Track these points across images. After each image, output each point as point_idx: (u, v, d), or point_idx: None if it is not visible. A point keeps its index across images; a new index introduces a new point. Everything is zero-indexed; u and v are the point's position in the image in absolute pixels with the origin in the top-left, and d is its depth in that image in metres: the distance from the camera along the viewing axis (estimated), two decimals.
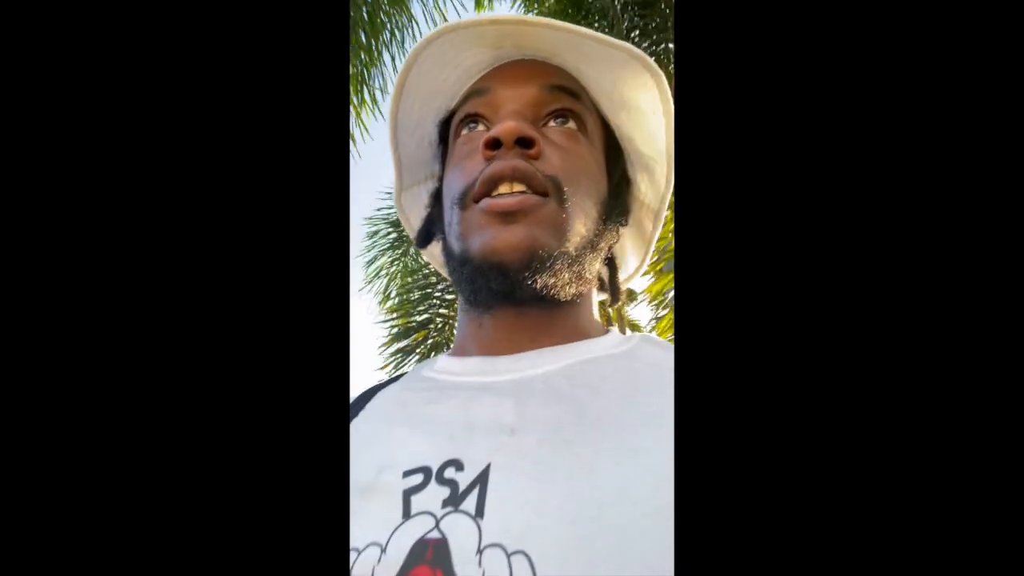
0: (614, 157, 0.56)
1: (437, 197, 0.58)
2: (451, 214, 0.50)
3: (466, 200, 0.48)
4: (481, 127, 0.53)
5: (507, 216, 0.45)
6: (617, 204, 0.56)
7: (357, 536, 0.39)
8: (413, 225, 0.64)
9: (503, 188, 0.46)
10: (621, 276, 0.63)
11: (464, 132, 0.54)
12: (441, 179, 0.57)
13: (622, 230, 0.58)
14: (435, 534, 0.38)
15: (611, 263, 0.60)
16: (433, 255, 0.62)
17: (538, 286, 0.46)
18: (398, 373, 0.58)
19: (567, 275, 0.48)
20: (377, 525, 0.39)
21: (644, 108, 0.53)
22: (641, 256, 0.64)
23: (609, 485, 0.37)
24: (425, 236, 0.60)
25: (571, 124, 0.52)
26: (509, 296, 0.47)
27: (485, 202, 0.47)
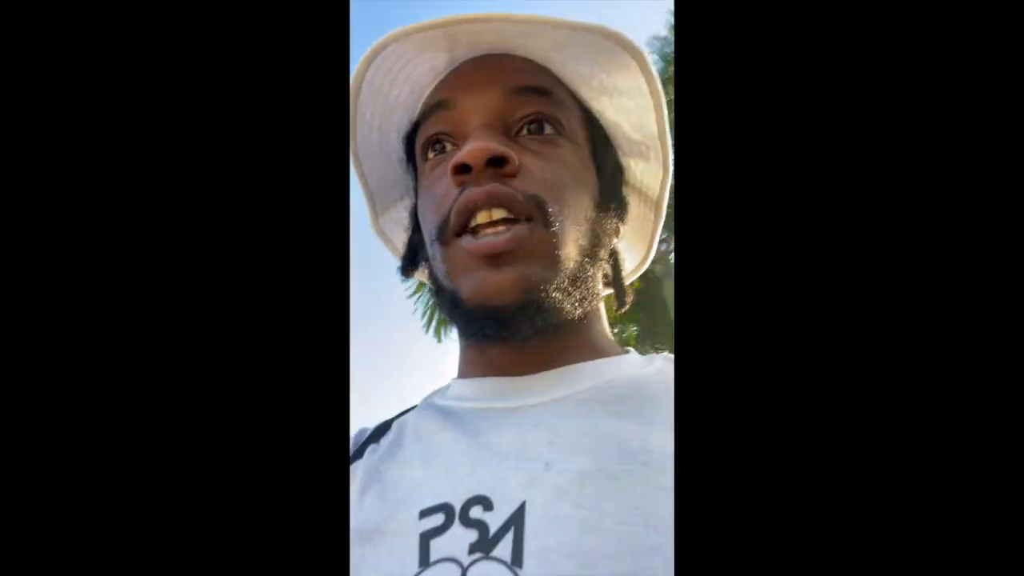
0: (602, 147, 0.51)
1: (416, 215, 0.53)
2: (432, 248, 0.46)
3: (446, 235, 0.44)
4: (449, 147, 0.47)
5: (495, 259, 0.41)
6: (612, 199, 0.51)
7: None
8: (400, 251, 0.59)
9: (481, 217, 0.42)
10: (624, 271, 0.56)
11: (431, 155, 0.48)
12: (415, 193, 0.52)
13: (622, 228, 0.52)
14: None
15: (615, 259, 0.53)
16: (421, 273, 0.57)
17: (538, 325, 0.42)
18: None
19: (569, 302, 0.43)
20: (390, 575, 0.34)
21: (627, 91, 0.48)
22: (644, 249, 0.59)
23: (666, 531, 0.32)
24: (409, 263, 0.55)
25: (548, 129, 0.46)
26: (509, 339, 0.43)
27: (468, 241, 0.42)
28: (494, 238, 0.41)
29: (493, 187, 0.42)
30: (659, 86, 0.48)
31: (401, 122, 0.51)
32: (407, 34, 0.45)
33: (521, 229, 0.41)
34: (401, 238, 0.58)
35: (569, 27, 0.44)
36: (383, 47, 0.46)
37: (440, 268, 0.45)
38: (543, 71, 0.48)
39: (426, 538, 0.35)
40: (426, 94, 0.49)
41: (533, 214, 0.42)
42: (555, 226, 0.42)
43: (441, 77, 0.48)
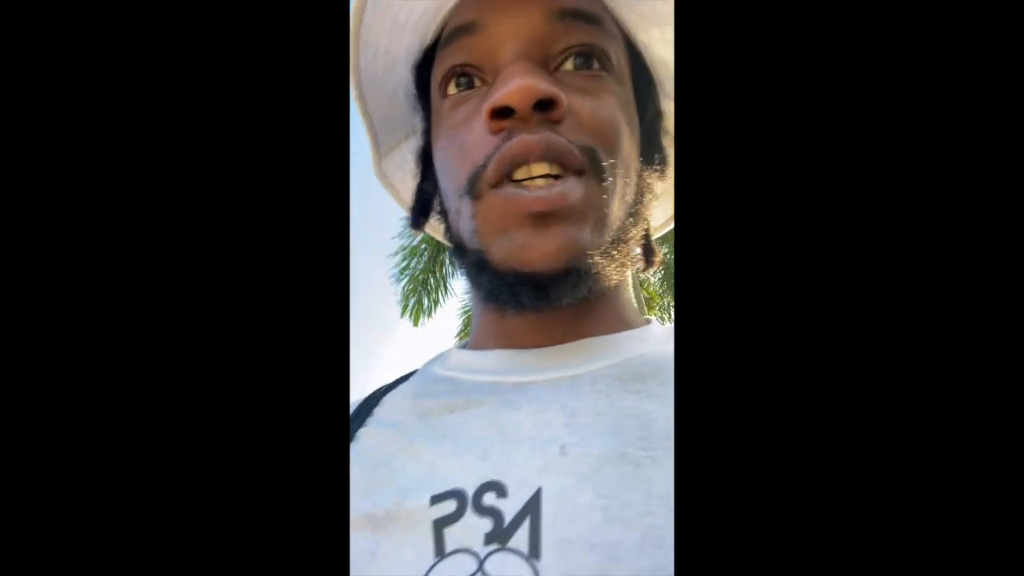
0: (645, 89, 0.45)
1: (425, 159, 0.46)
2: (458, 201, 0.39)
3: (479, 187, 0.37)
4: (477, 82, 0.40)
5: (543, 218, 0.35)
6: (655, 149, 0.45)
7: None
8: (403, 198, 0.53)
9: (521, 172, 0.36)
10: (652, 226, 0.50)
11: (453, 90, 0.41)
12: (426, 134, 0.45)
13: (661, 184, 0.46)
14: None
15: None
16: (433, 227, 0.51)
17: (580, 293, 0.37)
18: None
19: (612, 266, 0.38)
20: (407, 565, 0.31)
21: None
22: (673, 203, 0.52)
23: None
24: (420, 214, 0.49)
25: (595, 65, 0.39)
26: (542, 305, 0.38)
27: (509, 193, 0.36)
28: (546, 192, 0.35)
29: (547, 136, 0.35)
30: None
31: (412, 47, 0.43)
32: None
33: (574, 184, 0.36)
34: (406, 184, 0.51)
35: None
36: None
37: (467, 225, 0.38)
38: None
39: (439, 526, 0.32)
40: (444, 12, 0.42)
41: (585, 167, 0.36)
42: (607, 181, 0.37)
43: None
